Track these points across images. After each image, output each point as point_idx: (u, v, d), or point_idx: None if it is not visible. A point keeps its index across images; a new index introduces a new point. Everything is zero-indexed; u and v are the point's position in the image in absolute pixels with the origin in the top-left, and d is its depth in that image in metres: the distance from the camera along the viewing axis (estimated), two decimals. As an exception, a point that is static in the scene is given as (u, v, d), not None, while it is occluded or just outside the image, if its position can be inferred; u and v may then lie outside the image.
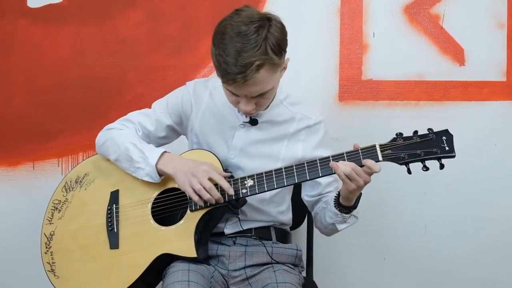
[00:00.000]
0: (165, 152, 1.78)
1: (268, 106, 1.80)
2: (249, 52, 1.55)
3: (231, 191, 1.67)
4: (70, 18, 2.36)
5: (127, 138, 1.81)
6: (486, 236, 2.32)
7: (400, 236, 2.34)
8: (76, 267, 1.81)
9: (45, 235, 1.87)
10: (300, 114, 1.83)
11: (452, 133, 1.60)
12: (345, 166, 1.58)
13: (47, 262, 1.84)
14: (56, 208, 1.88)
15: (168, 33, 2.34)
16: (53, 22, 2.36)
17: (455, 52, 2.30)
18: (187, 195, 1.72)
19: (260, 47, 1.56)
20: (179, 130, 1.92)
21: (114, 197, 1.84)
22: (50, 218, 1.88)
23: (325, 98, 2.32)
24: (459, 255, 2.34)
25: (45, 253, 1.86)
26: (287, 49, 1.67)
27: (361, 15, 2.30)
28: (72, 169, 1.95)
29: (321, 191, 1.83)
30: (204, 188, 1.68)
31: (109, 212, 1.83)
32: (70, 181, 1.90)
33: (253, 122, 1.80)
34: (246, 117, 1.80)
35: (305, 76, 2.31)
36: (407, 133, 1.64)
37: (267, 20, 1.60)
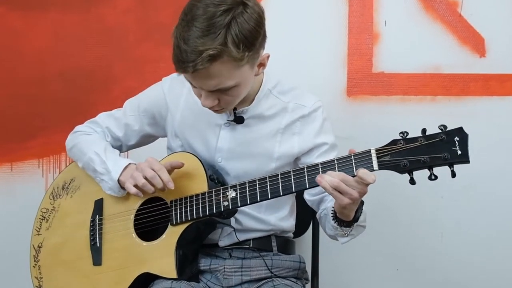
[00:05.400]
0: (130, 164, 1.70)
1: (253, 100, 1.68)
2: (204, 39, 1.42)
3: (170, 184, 1.58)
4: (51, 5, 2.30)
5: (92, 146, 1.76)
6: (510, 244, 2.24)
7: (414, 245, 2.27)
8: (61, 284, 1.77)
9: (34, 247, 1.82)
10: (293, 103, 1.71)
11: (467, 132, 1.39)
12: (332, 178, 1.43)
13: (35, 277, 1.80)
14: (44, 217, 1.83)
15: (160, 20, 2.28)
16: (33, 9, 2.31)
17: (475, 42, 2.22)
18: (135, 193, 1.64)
19: (219, 35, 1.42)
20: (153, 133, 1.84)
21: (98, 206, 1.77)
22: (39, 229, 1.83)
23: (332, 93, 2.24)
24: (479, 265, 2.25)
25: (34, 266, 1.81)
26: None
27: (372, 1, 2.23)
28: (59, 174, 1.90)
29: (322, 189, 1.69)
30: (146, 178, 1.59)
31: (91, 224, 1.76)
32: (57, 188, 1.85)
33: (239, 120, 1.67)
34: (230, 114, 1.68)
35: (310, 68, 2.24)
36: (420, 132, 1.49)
37: (241, 5, 1.47)
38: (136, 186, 1.61)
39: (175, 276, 1.61)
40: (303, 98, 1.72)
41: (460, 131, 1.39)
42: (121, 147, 1.85)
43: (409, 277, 2.27)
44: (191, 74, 1.47)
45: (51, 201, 1.84)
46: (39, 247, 1.81)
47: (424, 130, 1.43)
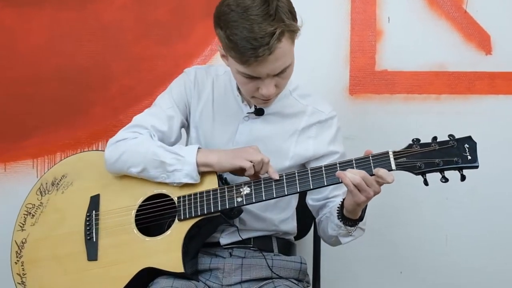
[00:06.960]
0: (199, 148, 1.70)
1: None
2: (266, 22, 1.50)
3: (276, 175, 1.62)
4: (47, 2, 2.28)
5: (150, 143, 1.72)
6: (516, 247, 2.25)
7: (418, 247, 2.26)
8: (49, 280, 1.75)
9: (16, 243, 1.80)
10: (312, 107, 1.77)
11: (475, 141, 1.53)
12: (354, 175, 1.52)
13: (17, 274, 1.77)
14: (29, 213, 1.82)
15: (157, 18, 2.28)
16: (28, 5, 2.28)
17: (481, 40, 2.22)
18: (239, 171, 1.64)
19: (276, 16, 1.51)
20: (185, 124, 1.85)
21: (94, 202, 1.76)
22: (22, 224, 1.81)
23: (334, 91, 2.24)
24: (484, 268, 2.24)
25: (15, 263, 1.79)
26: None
27: (375, -3, 2.24)
28: (48, 170, 1.88)
29: (328, 195, 1.76)
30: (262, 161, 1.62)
31: (87, 219, 1.75)
32: (46, 183, 1.84)
33: (259, 111, 1.72)
34: (250, 107, 1.73)
35: (312, 66, 2.23)
36: (426, 133, 1.57)
37: None
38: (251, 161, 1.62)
39: (182, 270, 1.62)
40: (321, 105, 1.77)
41: (469, 140, 1.53)
42: None
43: (413, 280, 2.26)
44: (265, 58, 1.51)
45: (38, 196, 1.82)
46: (23, 243, 1.79)
47: (435, 138, 1.54)
